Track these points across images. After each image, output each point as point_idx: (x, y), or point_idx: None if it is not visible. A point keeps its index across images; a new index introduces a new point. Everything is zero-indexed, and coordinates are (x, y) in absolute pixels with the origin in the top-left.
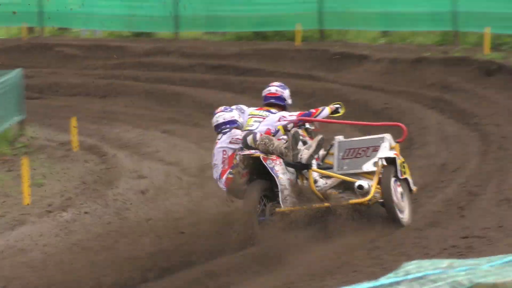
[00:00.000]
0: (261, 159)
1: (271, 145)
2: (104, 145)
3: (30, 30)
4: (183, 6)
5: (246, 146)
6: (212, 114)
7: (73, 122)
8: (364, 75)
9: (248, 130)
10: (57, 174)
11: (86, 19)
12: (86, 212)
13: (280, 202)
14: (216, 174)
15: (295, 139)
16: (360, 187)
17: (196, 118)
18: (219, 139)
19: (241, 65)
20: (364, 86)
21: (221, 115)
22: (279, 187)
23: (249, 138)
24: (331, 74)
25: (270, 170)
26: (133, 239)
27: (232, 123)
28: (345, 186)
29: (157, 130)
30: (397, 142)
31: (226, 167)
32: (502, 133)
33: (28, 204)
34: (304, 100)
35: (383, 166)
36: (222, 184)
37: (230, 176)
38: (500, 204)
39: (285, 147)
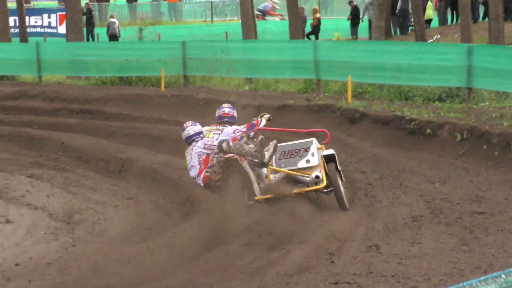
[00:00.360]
0: (239, 160)
1: (243, 149)
2: None
3: None
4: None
5: (221, 151)
6: (182, 129)
7: None
8: None
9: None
10: None
11: None
12: None
13: (255, 192)
14: (194, 173)
15: (262, 144)
16: (317, 177)
17: (63, 163)
18: (193, 146)
19: (106, 109)
20: None
21: (191, 128)
22: (252, 180)
23: (224, 145)
24: (197, 119)
25: (244, 168)
26: None
27: (200, 134)
28: (289, 180)
29: (23, 174)
30: (323, 144)
31: (202, 167)
32: (368, 180)
33: None
34: (171, 145)
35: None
36: (200, 181)
37: (207, 174)
38: (369, 250)
39: (255, 151)
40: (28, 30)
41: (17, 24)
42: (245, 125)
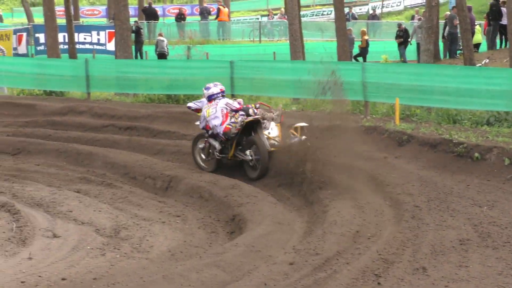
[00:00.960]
0: (260, 121)
1: (265, 115)
2: (17, 203)
3: None
4: (93, 66)
5: (247, 114)
6: (206, 87)
7: None
8: None
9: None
10: None
11: None
12: None
13: (267, 146)
14: (217, 122)
15: (280, 110)
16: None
17: (110, 179)
18: (218, 102)
19: (154, 127)
20: None
21: (215, 88)
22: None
23: (250, 110)
24: None
25: (263, 127)
26: None
27: (223, 93)
28: None
29: (70, 189)
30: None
31: (224, 119)
32: (415, 202)
33: None
34: None
35: None
36: (221, 130)
37: (229, 126)
38: (416, 273)
39: (276, 114)
40: (77, 46)
41: (66, 40)
42: (238, 103)
